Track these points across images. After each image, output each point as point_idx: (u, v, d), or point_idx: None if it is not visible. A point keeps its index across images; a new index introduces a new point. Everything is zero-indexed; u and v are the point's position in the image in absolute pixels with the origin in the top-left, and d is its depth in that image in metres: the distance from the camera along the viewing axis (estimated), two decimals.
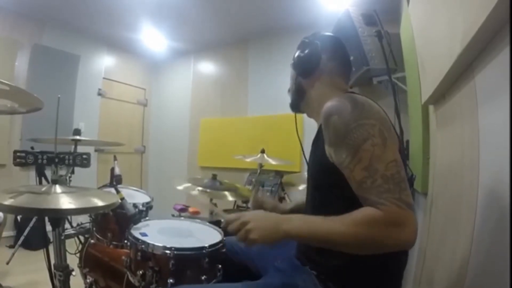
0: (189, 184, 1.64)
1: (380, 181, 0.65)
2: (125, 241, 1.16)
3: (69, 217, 1.60)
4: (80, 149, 1.61)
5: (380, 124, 0.70)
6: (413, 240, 0.63)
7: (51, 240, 1.12)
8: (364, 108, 0.73)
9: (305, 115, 1.02)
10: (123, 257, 1.12)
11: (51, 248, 1.18)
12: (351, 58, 1.04)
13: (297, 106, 1.02)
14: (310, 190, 0.92)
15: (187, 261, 1.02)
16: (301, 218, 0.77)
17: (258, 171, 2.18)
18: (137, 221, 1.26)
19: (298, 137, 1.05)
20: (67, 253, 1.19)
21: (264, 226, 0.72)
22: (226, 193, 1.64)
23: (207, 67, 4.13)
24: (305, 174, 1.08)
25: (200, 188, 1.60)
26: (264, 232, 0.71)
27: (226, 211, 1.88)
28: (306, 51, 0.93)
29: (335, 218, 0.67)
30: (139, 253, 1.04)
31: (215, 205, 1.80)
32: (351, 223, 0.65)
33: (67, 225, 1.49)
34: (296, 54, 0.96)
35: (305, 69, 0.94)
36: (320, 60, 0.91)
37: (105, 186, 1.55)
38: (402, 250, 0.66)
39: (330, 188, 0.79)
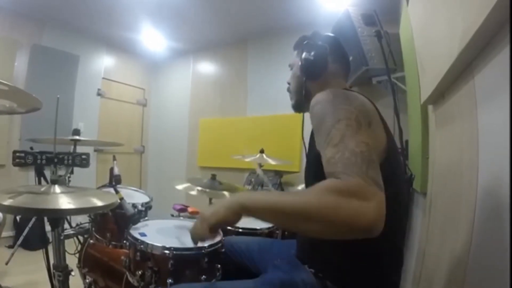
0: (189, 184, 1.64)
1: (348, 154, 0.62)
2: (124, 241, 1.16)
3: (68, 217, 1.60)
4: (79, 149, 1.61)
5: (359, 112, 0.70)
6: (377, 220, 0.54)
7: (50, 240, 1.12)
8: (346, 97, 0.74)
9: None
10: (122, 257, 1.12)
11: (50, 248, 1.18)
12: (351, 58, 1.05)
13: (301, 107, 1.02)
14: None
15: (186, 261, 1.02)
16: (261, 192, 0.75)
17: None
18: (136, 221, 1.27)
19: (303, 137, 1.04)
20: (66, 253, 1.19)
21: (217, 208, 0.69)
22: (225, 193, 1.64)
23: (207, 67, 4.13)
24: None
25: (199, 188, 1.60)
26: (218, 210, 0.68)
27: None
28: (314, 54, 0.92)
29: (297, 191, 0.64)
30: (138, 253, 1.04)
31: None
32: (312, 192, 0.60)
33: (66, 225, 1.49)
34: (303, 56, 0.94)
35: (313, 73, 0.94)
36: (327, 63, 0.93)
37: (104, 186, 1.55)
38: (367, 237, 0.55)
39: None
